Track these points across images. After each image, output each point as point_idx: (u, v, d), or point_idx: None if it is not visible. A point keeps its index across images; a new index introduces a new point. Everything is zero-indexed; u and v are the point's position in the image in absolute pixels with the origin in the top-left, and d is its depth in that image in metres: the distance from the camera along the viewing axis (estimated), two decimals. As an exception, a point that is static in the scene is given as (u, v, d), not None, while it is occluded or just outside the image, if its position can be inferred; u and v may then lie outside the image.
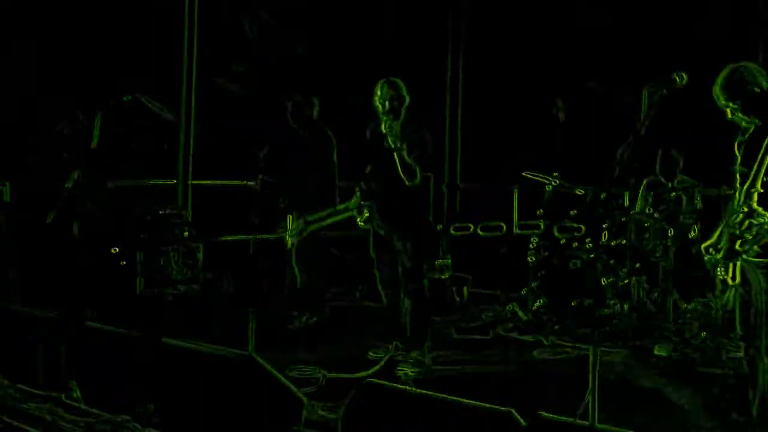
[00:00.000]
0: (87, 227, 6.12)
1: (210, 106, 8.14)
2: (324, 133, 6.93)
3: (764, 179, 3.84)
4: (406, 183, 5.48)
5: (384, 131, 5.51)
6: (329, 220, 6.30)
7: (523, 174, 6.90)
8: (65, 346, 4.92)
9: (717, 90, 4.05)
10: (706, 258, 3.90)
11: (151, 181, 7.76)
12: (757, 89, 3.98)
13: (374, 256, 5.83)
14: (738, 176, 3.97)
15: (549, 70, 8.62)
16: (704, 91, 4.11)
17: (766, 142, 3.87)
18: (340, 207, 6.13)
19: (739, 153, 4.03)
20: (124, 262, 6.25)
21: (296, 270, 6.92)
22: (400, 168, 5.47)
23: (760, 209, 3.80)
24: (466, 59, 9.51)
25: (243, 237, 7.00)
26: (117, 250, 6.26)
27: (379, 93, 5.57)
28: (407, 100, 5.61)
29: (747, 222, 3.81)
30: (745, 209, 3.82)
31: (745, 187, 3.87)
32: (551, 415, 3.14)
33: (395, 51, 8.37)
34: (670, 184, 6.96)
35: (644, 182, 7.10)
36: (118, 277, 6.23)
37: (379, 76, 5.66)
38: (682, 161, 7.13)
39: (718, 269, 3.86)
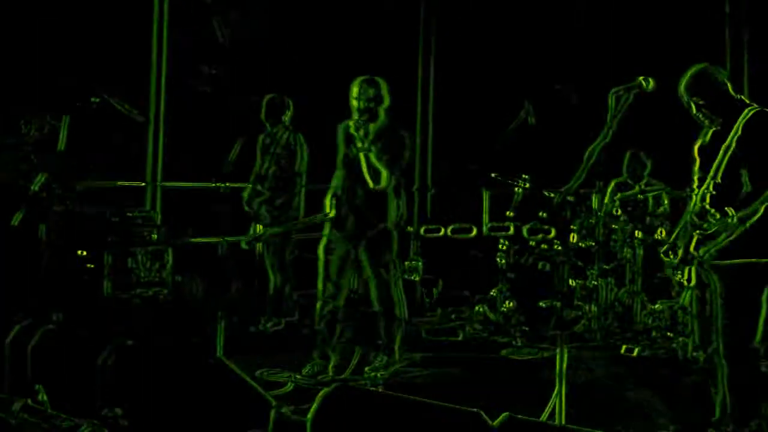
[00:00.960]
0: (54, 230, 6.07)
1: (179, 107, 8.09)
2: (296, 137, 6.94)
3: (715, 181, 3.88)
4: (371, 185, 5.26)
5: (352, 131, 5.25)
6: (296, 227, 6.21)
7: (492, 176, 6.91)
8: (31, 349, 4.87)
9: (681, 89, 4.10)
10: (665, 261, 3.95)
11: (120, 183, 7.69)
12: (720, 89, 4.03)
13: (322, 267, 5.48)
14: (696, 179, 4.01)
15: (518, 72, 8.67)
16: (672, 94, 4.16)
17: (723, 147, 3.91)
18: (318, 216, 5.68)
19: (699, 157, 4.09)
20: (92, 265, 6.20)
21: (269, 272, 6.91)
22: (365, 170, 5.25)
23: (712, 210, 3.83)
24: (437, 60, 9.55)
25: (212, 240, 6.97)
26: (84, 252, 6.20)
27: (354, 91, 5.29)
28: (386, 100, 5.35)
29: (700, 223, 3.85)
30: (698, 210, 3.86)
31: (701, 190, 3.91)
32: (520, 416, 3.16)
33: (365, 53, 8.36)
34: (637, 187, 7.03)
35: (612, 184, 7.16)
36: (86, 280, 6.17)
37: (348, 78, 5.52)
38: (650, 164, 7.22)
39: (676, 271, 3.90)
